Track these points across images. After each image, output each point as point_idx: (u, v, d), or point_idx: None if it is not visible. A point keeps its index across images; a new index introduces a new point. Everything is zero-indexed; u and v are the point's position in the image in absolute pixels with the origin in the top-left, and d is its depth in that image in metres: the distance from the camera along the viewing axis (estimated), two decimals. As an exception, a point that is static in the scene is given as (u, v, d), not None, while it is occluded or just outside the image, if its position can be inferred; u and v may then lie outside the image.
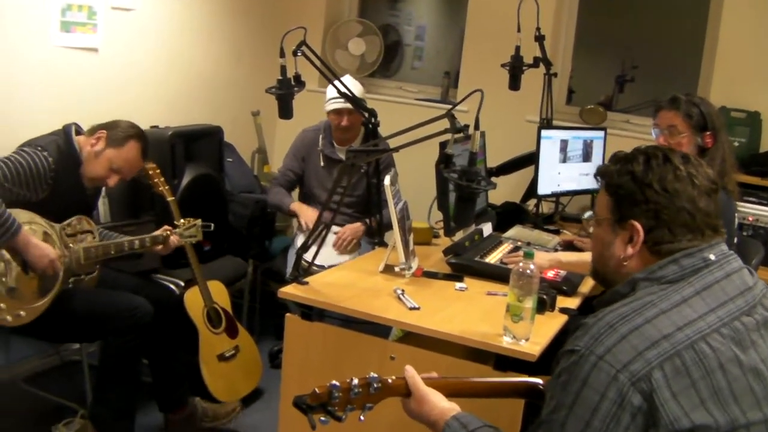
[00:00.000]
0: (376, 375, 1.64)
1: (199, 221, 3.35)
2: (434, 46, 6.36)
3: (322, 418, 1.56)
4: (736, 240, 3.04)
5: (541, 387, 1.81)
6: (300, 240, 2.94)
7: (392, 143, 2.84)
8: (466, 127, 2.58)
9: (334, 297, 2.59)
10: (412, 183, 3.76)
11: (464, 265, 2.98)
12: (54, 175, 2.91)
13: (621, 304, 1.49)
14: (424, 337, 2.41)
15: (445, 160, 2.66)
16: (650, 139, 3.13)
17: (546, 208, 4.27)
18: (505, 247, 3.29)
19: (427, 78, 5.66)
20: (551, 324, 2.49)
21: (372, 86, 5.26)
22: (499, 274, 2.87)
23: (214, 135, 4.25)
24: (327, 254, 3.33)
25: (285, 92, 2.88)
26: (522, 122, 4.61)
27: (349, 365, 2.50)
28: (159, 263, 3.65)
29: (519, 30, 3.93)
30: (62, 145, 2.99)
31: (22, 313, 2.80)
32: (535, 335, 2.31)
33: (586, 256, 2.46)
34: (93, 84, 3.82)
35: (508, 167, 4.24)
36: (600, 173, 1.67)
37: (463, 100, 2.70)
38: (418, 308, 2.53)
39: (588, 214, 3.89)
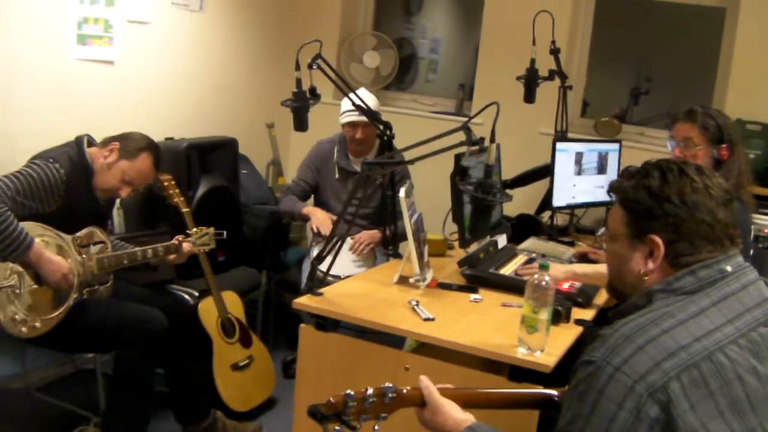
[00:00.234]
0: (391, 385, 1.64)
1: (212, 230, 3.36)
2: (449, 59, 6.38)
3: (337, 428, 1.56)
4: (752, 252, 3.03)
5: (556, 398, 1.80)
6: (315, 251, 2.95)
7: (407, 155, 2.84)
8: (482, 139, 2.58)
9: (348, 308, 2.59)
10: (426, 195, 3.76)
11: (479, 276, 2.98)
12: (66, 186, 2.92)
13: (638, 315, 1.48)
14: (439, 347, 2.41)
15: (460, 173, 2.66)
16: (665, 152, 3.12)
17: (561, 220, 4.26)
18: (520, 259, 3.28)
19: (441, 91, 5.68)
20: (566, 335, 2.48)
21: (387, 99, 5.27)
22: (513, 286, 2.86)
23: (229, 147, 4.27)
24: (342, 265, 3.33)
25: (300, 105, 2.89)
26: (536, 135, 4.61)
27: (364, 376, 2.50)
28: (173, 274, 3.67)
29: (534, 43, 3.93)
30: (74, 157, 3.00)
31: (37, 324, 2.82)
32: (550, 347, 2.30)
33: (602, 268, 2.45)
34: (109, 96, 3.85)
35: (523, 179, 4.24)
36: (614, 189, 1.66)
37: (479, 112, 2.70)
38: (432, 319, 2.52)
39: (602, 230, 3.88)
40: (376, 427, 1.63)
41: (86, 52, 3.69)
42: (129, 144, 3.09)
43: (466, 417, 1.66)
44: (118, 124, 3.26)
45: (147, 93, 4.09)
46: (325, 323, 2.60)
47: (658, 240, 1.54)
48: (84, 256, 2.97)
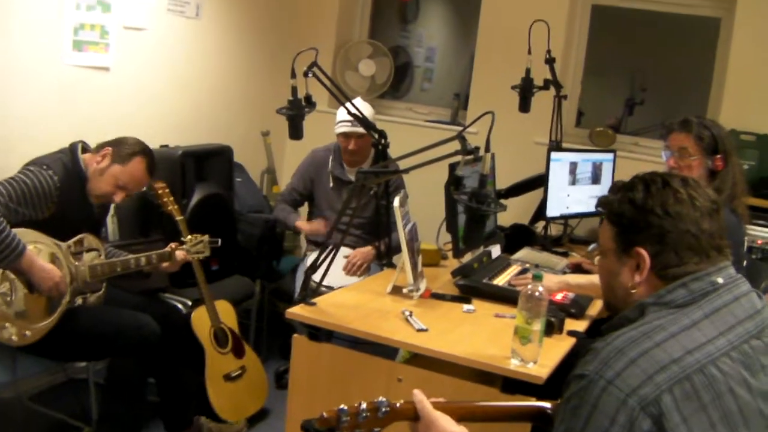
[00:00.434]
0: (384, 399, 1.63)
1: (206, 237, 3.35)
2: (444, 68, 6.39)
3: (330, 442, 1.55)
4: (745, 263, 3.03)
5: (548, 411, 1.79)
6: (310, 260, 2.94)
7: (402, 165, 2.84)
8: (477, 149, 2.58)
9: (341, 318, 2.58)
10: (420, 204, 3.76)
11: (472, 286, 2.97)
12: (59, 193, 2.91)
13: (630, 328, 1.48)
14: (432, 358, 2.40)
15: (455, 182, 2.66)
16: (660, 162, 3.13)
17: (554, 230, 4.26)
18: (514, 269, 3.28)
19: (436, 100, 5.68)
20: (559, 347, 2.47)
21: (382, 107, 5.27)
22: (507, 297, 2.86)
23: (224, 155, 4.27)
24: (335, 275, 3.32)
25: (296, 113, 2.89)
26: (531, 144, 4.62)
27: (356, 386, 2.49)
28: (166, 282, 3.66)
29: (530, 52, 3.94)
30: (68, 163, 2.99)
31: (27, 332, 2.81)
32: (543, 358, 2.29)
33: (595, 279, 2.45)
34: (104, 103, 3.85)
35: (517, 189, 4.24)
36: (601, 204, 1.67)
37: (474, 122, 2.69)
38: (425, 330, 2.52)
39: (593, 246, 3.89)
40: (370, 442, 1.62)
41: (82, 59, 3.68)
42: (122, 149, 3.08)
43: (459, 430, 1.65)
44: (114, 130, 3.24)
45: (143, 100, 4.09)
46: (318, 333, 2.59)
47: (644, 252, 1.54)
48: (77, 263, 2.96)
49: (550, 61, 4.07)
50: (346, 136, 3.86)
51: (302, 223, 4.06)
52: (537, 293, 2.22)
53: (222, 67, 4.66)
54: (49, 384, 3.76)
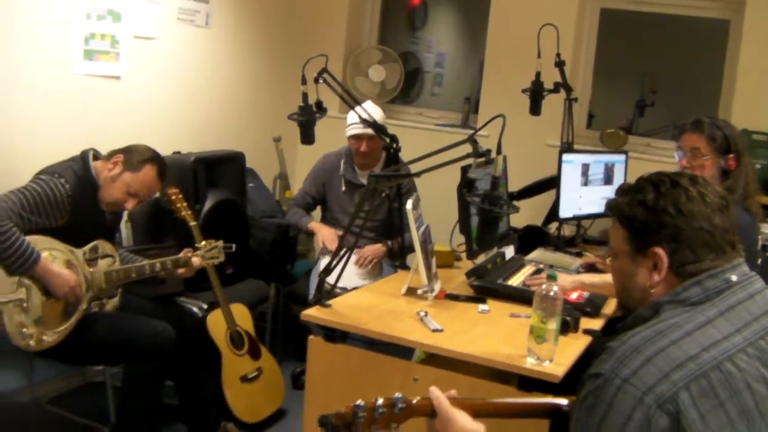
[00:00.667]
0: (400, 395, 1.64)
1: (220, 243, 3.36)
2: (454, 73, 6.41)
3: (347, 438, 1.56)
4: (759, 261, 3.03)
5: (564, 408, 1.80)
6: (323, 263, 2.96)
7: (414, 168, 2.86)
8: (489, 151, 2.59)
9: (356, 319, 2.60)
10: (433, 207, 3.77)
11: (487, 287, 2.98)
12: (72, 201, 2.92)
13: (645, 327, 1.48)
14: (448, 358, 2.41)
15: (467, 184, 2.68)
16: (672, 162, 3.13)
17: (567, 231, 4.26)
18: (528, 270, 3.29)
19: (446, 104, 5.70)
20: (575, 345, 2.48)
21: (392, 112, 5.29)
22: (521, 296, 2.87)
23: (236, 160, 4.29)
24: (349, 277, 3.34)
25: (307, 119, 2.91)
26: (543, 146, 4.62)
27: (372, 387, 2.50)
28: (182, 287, 3.68)
29: (539, 56, 3.95)
30: (79, 171, 3.00)
31: (45, 338, 2.83)
32: (558, 356, 2.30)
33: (609, 278, 2.45)
34: (116, 111, 3.87)
35: (530, 191, 4.25)
36: (610, 208, 1.67)
37: (485, 124, 2.70)
38: (441, 330, 2.53)
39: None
40: (386, 437, 1.63)
41: (93, 68, 3.71)
42: (133, 156, 3.10)
43: (477, 427, 1.66)
44: (125, 138, 3.26)
45: (154, 108, 4.11)
46: (334, 335, 2.60)
47: (661, 252, 1.55)
48: (92, 269, 2.98)
49: (559, 64, 4.08)
50: (357, 137, 3.88)
51: (315, 224, 4.08)
52: (552, 293, 2.23)
53: (232, 75, 4.68)
54: (67, 387, 3.79)
